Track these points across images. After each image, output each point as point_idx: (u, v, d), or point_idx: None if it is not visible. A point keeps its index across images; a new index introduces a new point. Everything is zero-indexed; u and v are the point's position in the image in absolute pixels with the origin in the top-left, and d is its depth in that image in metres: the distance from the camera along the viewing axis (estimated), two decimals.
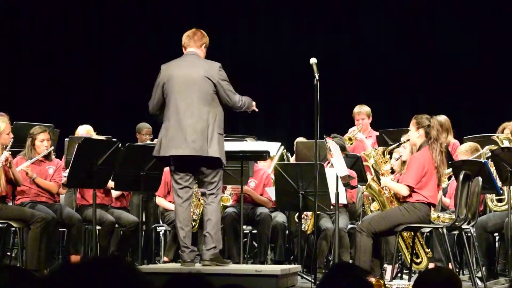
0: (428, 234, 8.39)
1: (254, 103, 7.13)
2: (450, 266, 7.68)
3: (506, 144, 8.29)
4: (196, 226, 8.62)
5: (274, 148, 8.11)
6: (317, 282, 7.15)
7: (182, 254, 6.94)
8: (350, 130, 9.92)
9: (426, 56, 12.74)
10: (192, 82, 6.84)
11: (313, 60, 7.24)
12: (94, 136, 9.21)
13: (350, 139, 9.69)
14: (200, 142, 6.72)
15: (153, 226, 9.25)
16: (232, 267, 6.79)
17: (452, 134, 9.22)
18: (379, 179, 7.53)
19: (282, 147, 9.88)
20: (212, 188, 6.88)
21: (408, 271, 7.77)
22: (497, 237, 8.41)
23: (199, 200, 8.64)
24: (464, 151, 8.48)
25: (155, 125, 10.78)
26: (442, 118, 8.96)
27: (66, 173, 8.19)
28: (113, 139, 8.55)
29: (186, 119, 6.78)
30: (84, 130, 9.47)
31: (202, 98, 6.81)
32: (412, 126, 7.32)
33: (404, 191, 7.18)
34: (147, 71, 13.17)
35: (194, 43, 7.06)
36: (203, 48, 7.10)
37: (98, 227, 8.34)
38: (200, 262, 7.06)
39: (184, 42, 7.11)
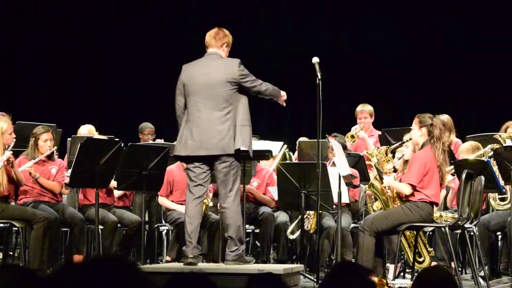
0: (430, 233, 8.39)
1: (284, 94, 7.10)
2: (452, 265, 7.68)
3: (508, 143, 8.29)
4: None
5: (276, 147, 8.12)
6: (320, 281, 7.15)
7: (186, 250, 6.93)
8: (353, 128, 9.93)
9: (428, 55, 12.73)
10: (212, 83, 6.84)
11: (315, 60, 7.25)
12: (96, 136, 9.21)
13: (352, 136, 9.69)
14: (222, 142, 6.74)
15: (156, 225, 9.25)
16: (235, 267, 6.79)
17: (455, 133, 9.22)
18: (381, 178, 7.53)
19: (285, 146, 9.90)
20: (230, 190, 6.84)
21: (410, 270, 7.78)
22: (499, 236, 8.41)
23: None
24: (465, 150, 8.47)
25: (157, 125, 10.81)
26: (445, 117, 8.96)
27: (68, 173, 8.19)
28: (115, 139, 8.56)
29: (208, 120, 6.78)
30: (86, 130, 9.47)
31: (222, 98, 6.81)
32: (414, 125, 7.32)
33: (406, 190, 7.18)
34: (149, 70, 13.24)
35: (215, 43, 7.05)
36: (224, 48, 7.07)
37: (100, 227, 8.34)
38: (224, 262, 7.05)
39: (207, 42, 7.09)
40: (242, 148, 6.78)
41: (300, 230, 8.57)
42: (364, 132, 9.94)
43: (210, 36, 7.08)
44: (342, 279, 2.77)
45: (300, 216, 8.33)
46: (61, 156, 8.98)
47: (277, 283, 2.95)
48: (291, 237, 8.81)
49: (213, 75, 6.87)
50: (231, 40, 7.12)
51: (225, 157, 6.80)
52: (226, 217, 6.89)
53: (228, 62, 6.96)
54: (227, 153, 6.76)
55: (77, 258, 8.26)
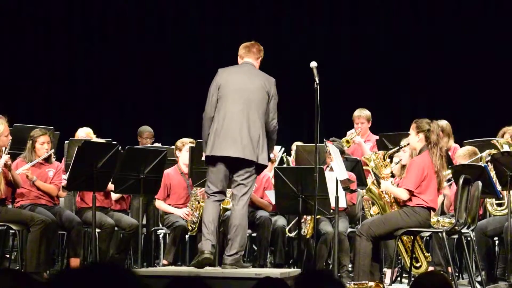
0: (427, 238, 8.39)
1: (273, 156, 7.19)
2: (449, 270, 7.68)
3: (506, 148, 8.29)
4: (196, 228, 8.63)
5: (274, 151, 8.13)
6: None
7: (204, 244, 6.87)
8: (349, 133, 9.94)
9: (427, 59, 12.74)
10: (249, 89, 6.89)
11: (313, 64, 7.26)
12: (94, 139, 9.21)
13: (347, 141, 9.70)
14: (251, 148, 6.78)
15: (153, 229, 9.25)
16: (232, 271, 6.78)
17: (453, 139, 9.23)
18: (379, 183, 7.53)
19: (283, 149, 9.92)
20: (244, 194, 6.87)
21: (407, 275, 7.78)
22: (496, 241, 8.41)
23: (199, 203, 8.65)
24: (462, 155, 8.49)
25: (156, 129, 10.82)
26: (443, 122, 8.97)
27: (66, 175, 8.19)
28: (113, 142, 8.56)
29: (239, 124, 6.81)
30: (84, 133, 9.48)
31: (257, 106, 6.86)
32: (412, 130, 7.32)
33: (403, 195, 7.18)
34: (149, 74, 13.25)
35: (253, 55, 7.11)
36: (259, 61, 7.15)
37: (97, 230, 8.34)
38: (221, 266, 7.03)
39: (243, 53, 7.14)
40: (266, 165, 6.96)
41: (297, 232, 8.55)
42: (361, 137, 9.94)
43: (247, 47, 7.16)
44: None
45: (297, 218, 8.32)
46: (59, 159, 8.97)
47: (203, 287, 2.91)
48: (290, 234, 8.81)
49: (251, 81, 6.94)
50: (263, 56, 7.23)
51: (250, 163, 6.85)
52: (232, 217, 6.88)
53: (267, 76, 7.05)
54: (252, 159, 6.81)
55: (74, 261, 8.25)
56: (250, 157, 6.79)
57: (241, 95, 6.87)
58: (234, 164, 6.87)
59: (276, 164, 9.17)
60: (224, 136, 6.82)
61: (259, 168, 6.94)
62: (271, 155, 7.22)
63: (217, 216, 6.96)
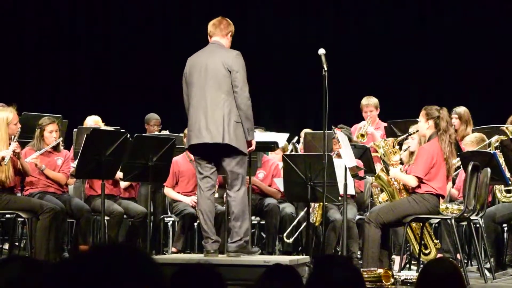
0: (436, 225, 8.38)
1: (254, 142, 6.94)
2: (458, 257, 7.67)
3: None
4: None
5: (282, 139, 8.11)
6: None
7: (205, 245, 6.91)
8: (360, 125, 9.90)
9: (435, 47, 12.70)
10: (208, 70, 6.80)
11: (321, 51, 7.23)
12: (103, 127, 9.22)
13: (362, 135, 9.68)
14: (215, 130, 6.68)
15: (161, 216, 9.26)
16: (240, 258, 6.78)
17: (472, 126, 9.16)
18: (387, 170, 7.52)
19: (288, 135, 9.90)
20: (234, 179, 6.81)
21: (416, 262, 7.77)
22: (505, 228, 8.40)
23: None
24: (470, 142, 8.46)
25: (163, 116, 10.81)
26: (462, 109, 8.94)
27: (74, 164, 8.20)
28: (122, 130, 8.56)
29: (202, 107, 6.76)
30: (93, 121, 9.48)
31: (217, 85, 6.76)
32: (421, 117, 7.30)
33: (413, 182, 7.17)
34: (155, 61, 13.23)
35: (220, 32, 7.01)
36: (228, 37, 7.04)
37: (106, 218, 8.35)
38: (226, 254, 7.03)
39: (210, 31, 7.04)
40: (235, 146, 6.74)
41: (305, 223, 8.54)
42: (371, 125, 9.93)
43: (214, 25, 7.04)
44: (330, 269, 2.75)
45: (306, 208, 8.32)
46: (67, 148, 8.98)
47: (293, 274, 2.95)
48: (287, 241, 8.78)
49: (211, 61, 6.82)
50: (234, 29, 7.09)
51: (222, 147, 6.74)
52: (230, 206, 6.89)
53: (228, 51, 6.92)
54: (216, 142, 6.71)
55: (83, 249, 8.26)
56: (215, 140, 6.69)
57: (203, 78, 6.80)
58: (210, 152, 6.81)
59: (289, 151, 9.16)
60: (192, 125, 6.81)
61: (235, 149, 6.73)
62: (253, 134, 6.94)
63: (211, 207, 6.95)
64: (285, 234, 8.74)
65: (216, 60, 6.81)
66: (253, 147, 6.90)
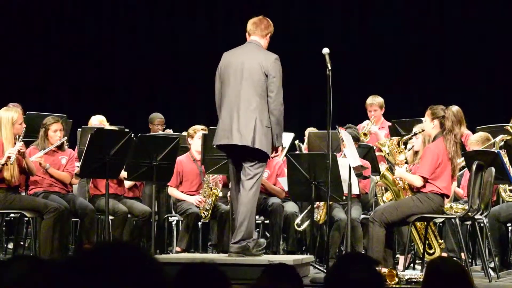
0: (441, 224, 8.37)
1: (280, 148, 6.98)
2: (462, 256, 7.67)
3: None
4: (209, 215, 8.63)
5: (287, 138, 8.11)
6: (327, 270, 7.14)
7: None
8: (363, 124, 9.90)
9: (438, 46, 12.69)
10: (244, 70, 6.74)
11: (325, 50, 7.21)
12: (107, 126, 9.22)
13: (365, 134, 9.68)
14: (246, 133, 6.65)
15: (166, 216, 9.26)
16: (245, 258, 6.78)
17: (465, 125, 9.17)
18: (392, 169, 7.51)
19: (293, 135, 9.90)
20: (249, 178, 6.76)
21: (421, 261, 7.77)
22: (510, 228, 8.39)
23: (211, 190, 8.65)
24: (475, 141, 8.44)
25: (167, 116, 10.81)
26: (454, 108, 8.91)
27: (79, 163, 8.20)
28: (126, 130, 8.56)
29: (235, 108, 6.72)
30: (97, 121, 9.48)
31: (252, 88, 6.71)
32: (427, 117, 7.29)
33: (418, 182, 7.16)
34: (160, 61, 13.23)
35: (260, 32, 6.94)
36: (267, 38, 6.99)
37: (111, 217, 8.36)
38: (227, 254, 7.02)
39: (250, 29, 6.97)
40: (264, 151, 6.73)
41: (309, 221, 8.55)
42: (375, 124, 9.92)
43: (254, 24, 6.97)
44: (348, 269, 2.75)
45: (310, 207, 8.32)
46: (72, 147, 8.99)
47: (291, 273, 2.95)
48: (299, 228, 8.80)
49: (248, 62, 6.75)
50: (273, 30, 7.04)
51: (249, 149, 6.71)
52: (239, 203, 6.85)
53: (267, 53, 6.85)
54: (245, 145, 6.69)
55: (87, 248, 8.26)
56: (245, 142, 6.67)
57: (238, 78, 6.75)
58: (239, 153, 6.79)
59: (286, 151, 9.15)
60: (223, 124, 6.79)
61: (262, 153, 6.74)
62: (281, 140, 6.97)
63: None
64: (296, 221, 8.71)
65: (253, 61, 6.75)
66: (279, 153, 6.90)
